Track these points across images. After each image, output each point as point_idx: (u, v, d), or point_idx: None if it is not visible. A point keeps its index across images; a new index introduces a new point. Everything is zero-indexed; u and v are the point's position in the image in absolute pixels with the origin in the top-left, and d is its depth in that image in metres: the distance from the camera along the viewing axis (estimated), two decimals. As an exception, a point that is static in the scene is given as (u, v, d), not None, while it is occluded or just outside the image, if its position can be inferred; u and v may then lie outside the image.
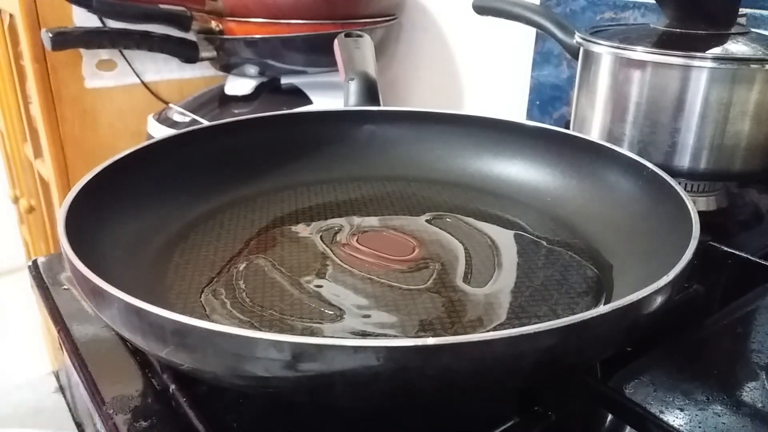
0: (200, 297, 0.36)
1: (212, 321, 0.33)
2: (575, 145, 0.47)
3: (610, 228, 0.42)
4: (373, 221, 0.45)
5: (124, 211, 0.39)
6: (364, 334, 0.32)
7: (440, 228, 0.44)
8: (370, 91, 0.54)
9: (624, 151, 0.43)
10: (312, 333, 0.32)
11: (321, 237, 0.42)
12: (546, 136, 0.48)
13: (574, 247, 0.42)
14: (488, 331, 0.32)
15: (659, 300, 0.26)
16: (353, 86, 0.54)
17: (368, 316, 0.34)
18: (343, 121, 0.52)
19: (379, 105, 0.54)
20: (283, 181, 0.50)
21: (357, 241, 0.42)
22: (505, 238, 0.43)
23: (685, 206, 0.34)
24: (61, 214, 0.32)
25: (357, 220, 0.45)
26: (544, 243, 0.42)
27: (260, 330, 0.32)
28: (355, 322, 0.33)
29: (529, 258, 0.40)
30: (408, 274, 0.38)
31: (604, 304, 0.36)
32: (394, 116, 0.52)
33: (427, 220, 0.45)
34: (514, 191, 0.49)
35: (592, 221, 0.43)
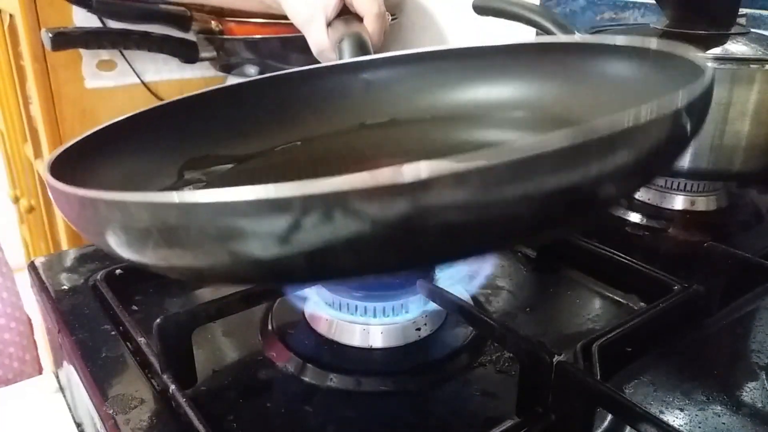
0: None
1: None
2: (575, 50, 0.40)
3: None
4: None
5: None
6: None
7: None
8: (362, 47, 0.52)
9: (620, 41, 0.36)
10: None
11: None
12: (540, 49, 0.43)
13: None
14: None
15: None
16: (345, 45, 0.52)
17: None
18: (339, 75, 0.49)
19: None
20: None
21: None
22: None
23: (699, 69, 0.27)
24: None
25: None
26: None
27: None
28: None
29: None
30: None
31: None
32: (387, 62, 0.50)
33: None
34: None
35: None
